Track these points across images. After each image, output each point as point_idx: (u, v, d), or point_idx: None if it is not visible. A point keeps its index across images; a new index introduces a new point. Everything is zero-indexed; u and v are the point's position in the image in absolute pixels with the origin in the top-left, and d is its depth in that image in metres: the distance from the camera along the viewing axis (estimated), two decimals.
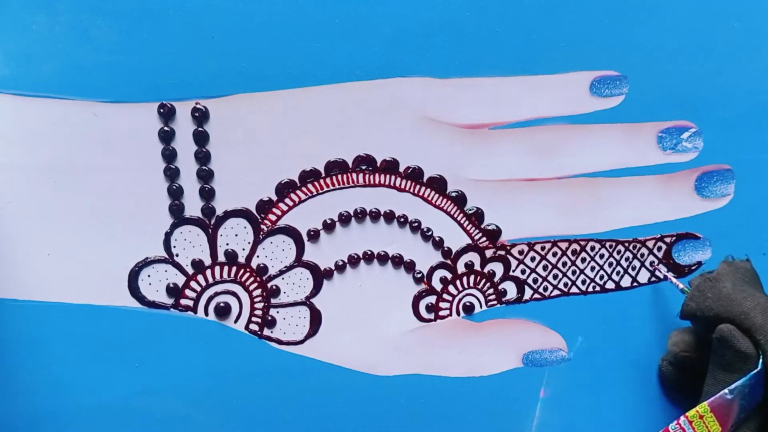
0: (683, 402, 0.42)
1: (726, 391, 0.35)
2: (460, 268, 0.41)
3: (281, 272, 0.38)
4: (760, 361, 0.35)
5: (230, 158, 0.37)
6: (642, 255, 0.43)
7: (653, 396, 0.43)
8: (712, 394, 0.35)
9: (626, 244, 0.42)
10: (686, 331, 0.41)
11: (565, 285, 0.42)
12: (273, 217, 0.38)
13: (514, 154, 0.40)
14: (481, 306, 0.41)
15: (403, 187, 0.39)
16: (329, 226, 0.39)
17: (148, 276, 0.37)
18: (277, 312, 0.38)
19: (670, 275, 0.42)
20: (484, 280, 0.41)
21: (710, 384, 0.36)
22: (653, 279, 0.43)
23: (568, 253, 0.42)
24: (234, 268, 0.38)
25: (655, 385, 0.43)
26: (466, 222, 0.40)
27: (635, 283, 0.43)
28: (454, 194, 0.40)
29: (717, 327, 0.36)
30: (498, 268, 0.41)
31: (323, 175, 0.38)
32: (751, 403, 0.35)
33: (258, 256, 0.38)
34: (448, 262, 0.40)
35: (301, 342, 0.39)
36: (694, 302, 0.38)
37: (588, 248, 0.42)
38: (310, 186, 0.38)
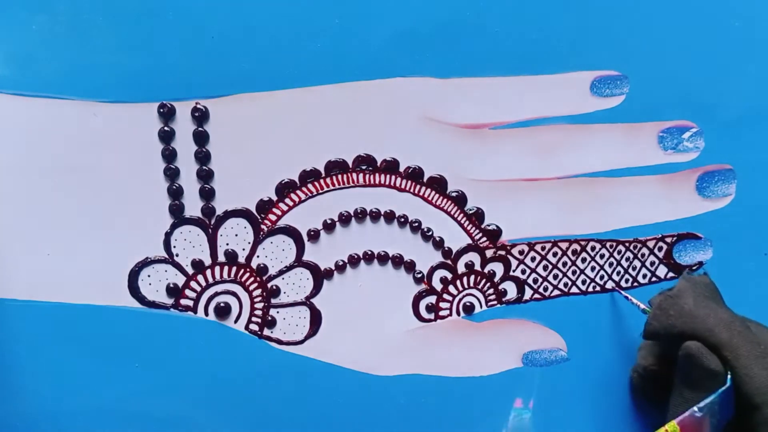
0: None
1: (695, 408, 0.34)
2: (461, 268, 0.41)
3: (281, 272, 0.38)
4: (728, 377, 0.34)
5: (230, 158, 0.37)
6: (643, 255, 0.43)
7: None
8: (679, 412, 0.34)
9: (627, 244, 0.42)
10: (655, 344, 0.40)
11: (566, 285, 0.42)
12: (273, 217, 0.38)
13: (514, 154, 0.40)
14: (481, 306, 0.41)
15: (403, 187, 0.39)
16: (329, 226, 0.39)
17: (148, 276, 0.37)
18: (277, 312, 0.38)
19: (629, 296, 0.41)
20: (484, 280, 0.41)
21: (677, 403, 0.36)
22: (654, 279, 0.43)
23: (569, 253, 0.42)
24: (234, 268, 0.38)
25: None
26: (467, 222, 0.40)
27: (636, 284, 0.43)
28: (454, 194, 0.40)
29: (683, 344, 0.35)
30: (498, 268, 0.41)
31: (323, 175, 0.38)
32: (721, 420, 0.35)
33: (258, 256, 0.38)
34: (449, 262, 0.40)
35: (301, 342, 0.39)
36: (657, 321, 0.37)
37: (588, 248, 0.42)
38: (310, 186, 0.38)
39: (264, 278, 0.38)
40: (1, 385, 0.36)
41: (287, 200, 0.38)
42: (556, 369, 0.42)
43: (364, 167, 0.38)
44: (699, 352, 0.35)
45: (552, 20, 0.39)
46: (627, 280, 0.42)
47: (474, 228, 0.40)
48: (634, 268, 0.42)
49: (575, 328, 0.42)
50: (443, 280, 0.40)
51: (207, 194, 0.37)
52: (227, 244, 0.37)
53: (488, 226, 0.40)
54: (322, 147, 0.38)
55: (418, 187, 0.39)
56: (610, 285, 0.42)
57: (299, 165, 0.38)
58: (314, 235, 0.38)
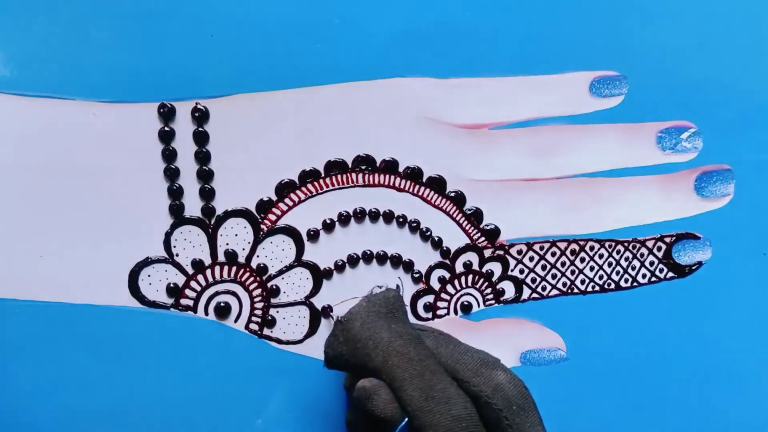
0: (682, 404, 0.43)
1: None
2: (459, 267, 0.41)
3: (281, 272, 0.38)
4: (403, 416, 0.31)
5: (230, 158, 0.37)
6: (642, 255, 0.43)
7: (653, 396, 0.43)
8: None
9: (626, 244, 0.42)
10: None
11: (564, 285, 0.42)
12: (273, 217, 0.38)
13: (513, 154, 0.40)
14: (479, 305, 0.41)
15: (402, 187, 0.39)
16: (329, 226, 0.39)
17: (148, 276, 0.37)
18: (277, 312, 0.38)
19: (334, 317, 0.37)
20: (482, 280, 0.41)
21: None
22: (653, 279, 0.43)
23: (567, 252, 0.42)
24: (234, 268, 0.38)
25: (653, 385, 0.43)
26: (465, 222, 0.40)
27: (635, 283, 0.43)
28: (453, 194, 0.40)
29: (356, 386, 0.32)
30: (496, 268, 0.41)
31: (323, 175, 0.38)
32: None
33: (258, 256, 0.38)
34: (447, 261, 0.40)
35: (301, 341, 0.39)
36: (330, 348, 0.34)
37: (587, 248, 0.42)
38: (310, 186, 0.38)
39: (264, 278, 0.38)
40: (0, 385, 0.36)
41: (287, 200, 0.38)
42: (554, 369, 0.42)
43: (363, 167, 0.38)
44: (367, 396, 0.31)
45: (551, 20, 0.39)
46: (627, 280, 0.43)
47: (472, 228, 0.40)
48: (633, 268, 0.43)
49: (574, 327, 0.42)
50: (441, 280, 0.40)
51: (207, 194, 0.37)
52: (227, 244, 0.37)
53: (487, 225, 0.41)
54: (322, 147, 0.38)
55: (417, 187, 0.39)
56: (609, 285, 0.42)
57: (299, 165, 0.38)
58: (314, 235, 0.38)
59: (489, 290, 0.41)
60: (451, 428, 0.30)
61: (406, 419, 0.30)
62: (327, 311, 0.39)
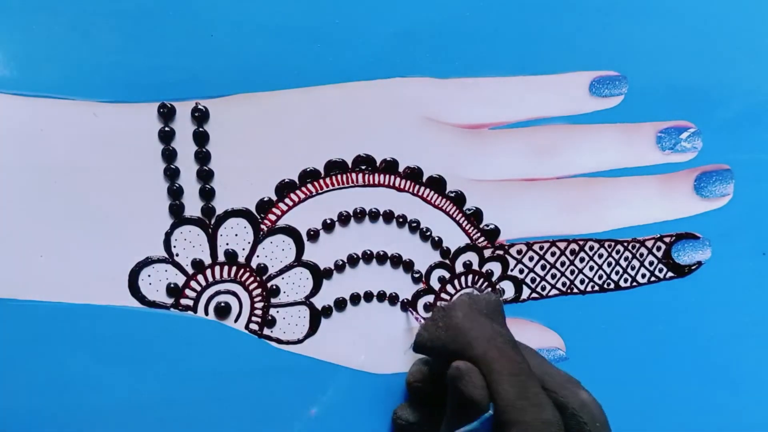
0: (682, 403, 0.43)
1: None
2: (459, 267, 0.41)
3: (281, 272, 0.38)
4: (491, 404, 0.32)
5: (230, 158, 0.37)
6: (641, 255, 0.43)
7: (652, 396, 0.43)
8: None
9: (625, 244, 0.42)
10: (426, 362, 0.39)
11: (564, 284, 0.42)
12: (273, 217, 0.38)
13: (513, 154, 0.40)
14: None
15: (402, 187, 0.39)
16: (329, 226, 0.39)
17: (148, 276, 0.37)
18: (277, 311, 0.38)
19: (419, 317, 0.40)
20: (482, 280, 0.41)
21: (444, 428, 0.34)
22: (653, 279, 0.43)
23: (567, 252, 0.42)
24: (234, 268, 0.38)
25: (653, 385, 0.43)
26: (465, 222, 0.40)
27: (634, 283, 0.43)
28: (453, 194, 0.40)
29: (450, 366, 0.33)
30: (496, 268, 0.41)
31: (323, 175, 0.38)
32: None
33: (258, 256, 0.38)
34: (447, 261, 0.40)
35: (301, 341, 0.39)
36: (426, 332, 0.36)
37: (587, 248, 0.42)
38: (309, 186, 0.38)
39: (264, 278, 0.38)
40: (1, 385, 0.36)
41: (287, 200, 0.38)
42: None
43: (363, 167, 0.39)
44: (460, 375, 0.32)
45: (551, 20, 0.39)
46: (626, 280, 0.43)
47: (472, 228, 0.40)
48: (632, 268, 0.43)
49: (574, 327, 0.42)
50: (441, 280, 0.41)
51: (207, 194, 0.37)
52: (227, 244, 0.37)
53: (487, 225, 0.41)
54: (322, 147, 0.38)
55: (417, 187, 0.39)
56: (609, 285, 0.42)
57: (299, 165, 0.38)
58: (314, 235, 0.38)
59: (489, 290, 0.41)
60: (540, 430, 0.31)
61: (491, 412, 0.32)
62: (406, 305, 0.40)
